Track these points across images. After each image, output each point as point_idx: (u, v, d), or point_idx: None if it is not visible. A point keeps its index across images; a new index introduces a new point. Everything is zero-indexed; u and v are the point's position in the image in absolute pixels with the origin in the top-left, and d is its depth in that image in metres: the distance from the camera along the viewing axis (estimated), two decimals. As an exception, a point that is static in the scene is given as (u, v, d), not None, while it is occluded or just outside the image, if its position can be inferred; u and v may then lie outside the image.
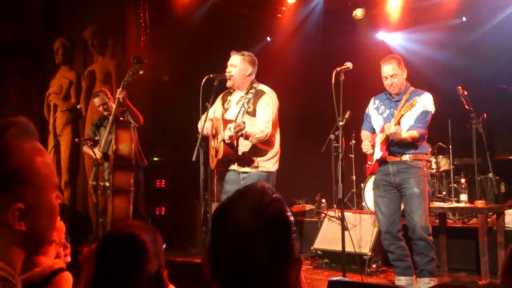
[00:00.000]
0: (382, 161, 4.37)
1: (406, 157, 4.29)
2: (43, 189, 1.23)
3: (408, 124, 4.28)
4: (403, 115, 4.16)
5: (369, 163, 4.53)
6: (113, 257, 1.61)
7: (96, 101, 5.82)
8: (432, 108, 4.31)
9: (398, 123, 4.19)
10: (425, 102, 4.29)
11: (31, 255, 1.25)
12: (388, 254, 4.43)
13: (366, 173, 4.80)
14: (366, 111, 4.66)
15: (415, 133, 4.22)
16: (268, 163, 4.30)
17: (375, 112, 4.55)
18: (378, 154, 4.35)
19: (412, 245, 4.24)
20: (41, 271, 1.71)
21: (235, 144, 4.24)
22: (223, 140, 4.13)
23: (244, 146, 4.26)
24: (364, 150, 4.53)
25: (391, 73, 4.34)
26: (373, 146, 4.45)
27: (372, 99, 4.64)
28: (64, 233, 1.98)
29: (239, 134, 3.98)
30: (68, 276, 1.76)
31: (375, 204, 4.52)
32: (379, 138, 4.36)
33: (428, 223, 4.24)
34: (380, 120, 4.46)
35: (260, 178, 4.21)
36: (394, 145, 4.31)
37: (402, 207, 4.47)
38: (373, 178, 6.61)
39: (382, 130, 4.32)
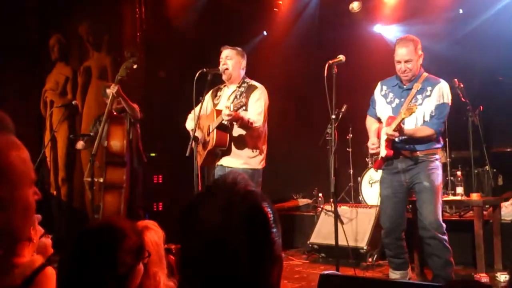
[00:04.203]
0: (388, 159, 4.06)
1: (417, 153, 3.96)
2: (18, 184, 1.21)
3: (421, 116, 3.94)
4: (403, 119, 3.78)
5: (375, 157, 4.24)
6: (87, 239, 1.56)
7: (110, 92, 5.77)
8: (448, 99, 3.93)
9: (399, 127, 3.79)
10: (440, 93, 3.92)
11: (7, 253, 1.22)
12: (385, 249, 4.34)
13: (374, 167, 4.38)
14: (372, 96, 4.31)
15: (429, 131, 3.89)
16: (255, 161, 4.31)
17: (383, 100, 4.18)
18: (383, 152, 4.03)
19: (424, 245, 3.92)
20: (21, 271, 1.52)
21: (231, 131, 4.21)
22: (219, 124, 4.12)
23: (236, 136, 4.25)
24: (370, 151, 4.20)
25: (406, 58, 3.92)
26: (378, 141, 4.09)
27: (379, 84, 4.28)
28: (39, 229, 1.84)
29: (239, 114, 3.96)
30: (51, 271, 1.64)
31: (381, 202, 4.22)
32: (383, 134, 3.99)
33: (440, 219, 3.83)
34: (388, 110, 4.10)
35: (245, 175, 4.17)
36: (404, 141, 3.97)
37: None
38: (370, 172, 6.69)
39: (388, 124, 3.96)
